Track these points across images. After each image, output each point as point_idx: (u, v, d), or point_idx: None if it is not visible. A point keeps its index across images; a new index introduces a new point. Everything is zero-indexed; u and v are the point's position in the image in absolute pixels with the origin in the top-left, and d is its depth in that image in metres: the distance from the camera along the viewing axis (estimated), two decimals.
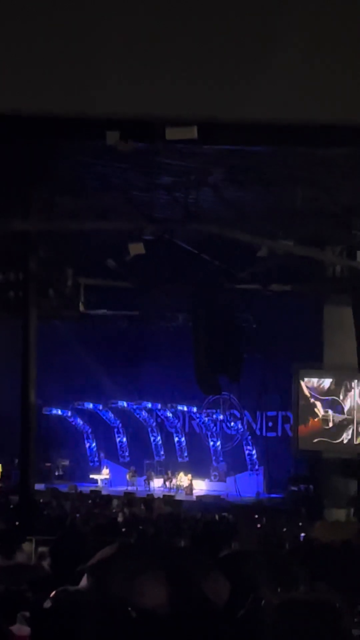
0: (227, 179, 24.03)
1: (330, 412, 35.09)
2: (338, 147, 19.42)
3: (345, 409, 34.81)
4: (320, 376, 35.63)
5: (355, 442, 34.45)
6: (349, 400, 34.86)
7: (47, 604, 8.39)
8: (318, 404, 35.42)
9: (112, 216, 26.51)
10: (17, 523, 23.14)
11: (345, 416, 34.76)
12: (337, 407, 34.99)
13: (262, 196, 25.01)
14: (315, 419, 35.34)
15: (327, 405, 35.18)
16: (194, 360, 33.11)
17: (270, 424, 40.33)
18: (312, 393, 35.47)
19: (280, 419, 39.82)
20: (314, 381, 35.46)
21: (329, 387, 35.22)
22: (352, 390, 34.78)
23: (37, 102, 7.29)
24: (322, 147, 19.81)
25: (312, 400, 35.51)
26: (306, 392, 35.51)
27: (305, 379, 35.44)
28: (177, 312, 36.70)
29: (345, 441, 34.58)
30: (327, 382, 35.27)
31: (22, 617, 8.68)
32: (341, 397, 34.99)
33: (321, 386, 35.47)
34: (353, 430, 34.54)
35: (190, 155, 21.68)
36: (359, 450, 33.56)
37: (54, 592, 8.55)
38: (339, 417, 34.89)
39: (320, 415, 35.26)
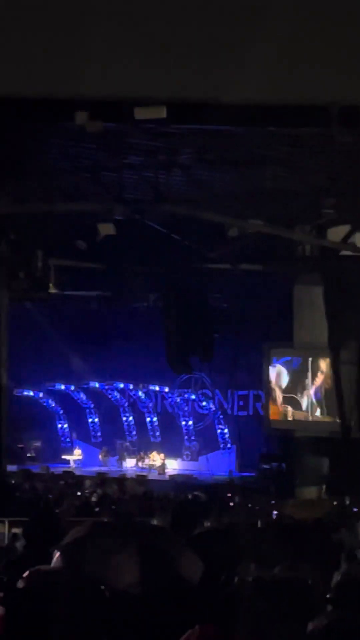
0: (197, 159, 23.98)
1: (289, 407, 35.47)
2: (307, 126, 19.45)
3: (303, 407, 35.14)
4: (290, 355, 35.77)
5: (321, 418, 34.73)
6: (305, 399, 35.15)
7: (21, 584, 8.42)
8: (279, 398, 35.81)
9: (81, 197, 26.42)
10: None
11: (303, 412, 35.07)
12: (295, 404, 35.34)
13: (231, 176, 24.99)
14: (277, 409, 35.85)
15: (286, 401, 35.55)
16: (165, 340, 33.16)
17: (241, 402, 40.47)
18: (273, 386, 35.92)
19: (251, 397, 39.95)
20: (273, 375, 35.75)
21: (286, 385, 35.57)
22: (308, 390, 35.09)
23: (5, 84, 7.29)
24: (292, 127, 19.84)
25: (276, 390, 35.94)
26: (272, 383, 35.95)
27: (271, 370, 35.79)
28: (147, 293, 36.67)
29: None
30: (284, 380, 35.58)
31: None
32: (298, 395, 35.31)
33: (280, 383, 35.79)
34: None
35: (160, 135, 21.60)
36: (330, 428, 33.70)
37: (27, 573, 8.58)
38: (298, 413, 35.28)
39: (280, 409, 35.67)
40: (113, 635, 7.51)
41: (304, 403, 35.20)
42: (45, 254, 29.06)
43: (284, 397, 35.64)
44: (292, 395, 35.46)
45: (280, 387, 35.72)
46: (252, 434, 38.56)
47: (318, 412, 34.99)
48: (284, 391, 35.64)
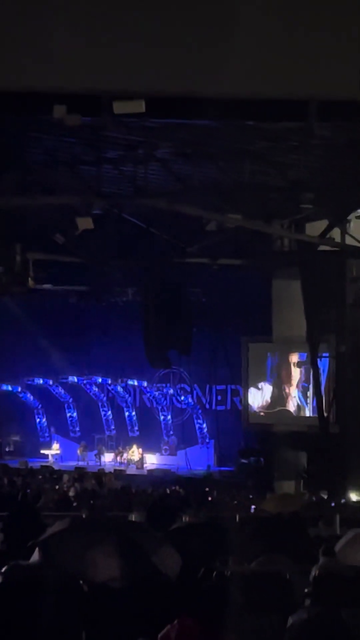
0: (175, 153, 23.97)
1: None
2: (286, 121, 19.46)
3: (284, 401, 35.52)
4: (269, 350, 35.85)
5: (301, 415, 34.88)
6: (292, 402, 35.34)
7: None
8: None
9: (59, 191, 26.35)
10: None
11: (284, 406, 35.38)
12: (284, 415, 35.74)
13: (210, 170, 24.99)
14: None
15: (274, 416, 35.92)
16: (143, 334, 33.14)
17: (219, 397, 40.48)
18: (260, 409, 36.20)
19: (229, 392, 39.97)
20: (258, 398, 36.02)
21: (271, 401, 35.83)
22: (292, 394, 35.31)
23: None
24: (270, 122, 19.84)
25: (261, 413, 36.26)
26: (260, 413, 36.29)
27: (250, 400, 36.05)
28: (126, 287, 36.67)
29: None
30: (267, 395, 35.85)
31: None
32: (285, 401, 35.58)
33: (265, 400, 36.04)
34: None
35: (138, 129, 21.57)
36: (308, 423, 33.81)
37: (5, 567, 8.56)
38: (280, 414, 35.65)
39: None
40: (91, 629, 7.52)
41: (284, 397, 35.38)
42: (24, 248, 28.96)
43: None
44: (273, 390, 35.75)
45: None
46: (231, 428, 38.60)
47: (296, 407, 35.13)
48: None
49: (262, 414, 36.06)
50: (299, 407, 35.12)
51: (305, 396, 34.67)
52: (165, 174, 25.44)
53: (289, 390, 35.35)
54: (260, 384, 36.07)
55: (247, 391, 36.43)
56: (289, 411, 35.38)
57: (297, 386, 35.04)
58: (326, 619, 5.72)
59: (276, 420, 35.38)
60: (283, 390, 35.54)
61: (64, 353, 40.37)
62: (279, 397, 35.62)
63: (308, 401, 34.51)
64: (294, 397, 35.25)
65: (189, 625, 5.38)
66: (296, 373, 35.15)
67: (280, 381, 35.56)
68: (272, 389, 35.82)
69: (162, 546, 9.39)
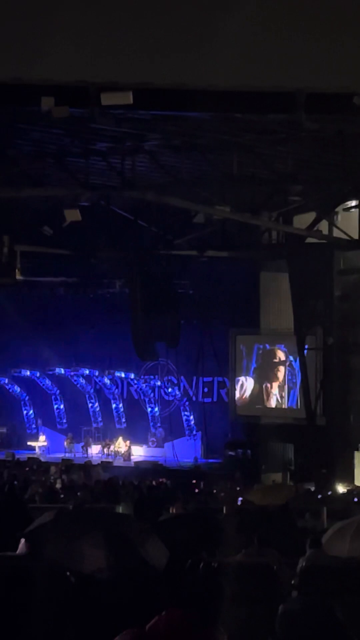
0: (163, 145, 23.95)
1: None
2: (274, 113, 19.48)
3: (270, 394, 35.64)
4: (257, 341, 35.89)
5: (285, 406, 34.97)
6: (273, 400, 35.45)
7: None
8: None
9: (47, 183, 26.32)
10: None
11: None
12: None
13: (198, 162, 24.98)
14: None
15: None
16: (131, 326, 33.10)
17: (206, 389, 40.49)
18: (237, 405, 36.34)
19: (215, 384, 39.99)
20: (237, 392, 36.16)
21: (250, 395, 35.91)
22: (273, 391, 35.41)
23: None
24: (258, 114, 19.85)
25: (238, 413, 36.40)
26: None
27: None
28: (114, 279, 36.63)
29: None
30: (248, 390, 35.93)
31: None
32: (264, 397, 35.63)
33: (244, 396, 36.10)
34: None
35: (126, 121, 21.54)
36: (295, 415, 33.86)
37: None
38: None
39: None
40: (79, 619, 7.53)
41: (270, 390, 35.45)
42: (11, 239, 28.90)
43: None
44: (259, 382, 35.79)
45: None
46: (218, 420, 38.63)
47: (283, 399, 35.18)
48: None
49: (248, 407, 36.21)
50: (285, 399, 35.23)
51: (291, 388, 34.77)
52: (153, 166, 25.44)
53: (271, 388, 35.50)
54: (241, 379, 36.23)
55: (234, 383, 36.46)
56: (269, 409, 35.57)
57: (285, 378, 35.14)
58: (319, 609, 5.75)
59: (263, 412, 35.45)
60: (265, 387, 35.68)
61: (51, 345, 40.32)
62: (259, 394, 35.79)
63: (295, 393, 34.56)
64: (275, 394, 35.41)
65: (176, 616, 5.39)
66: (271, 401, 35.49)
67: (263, 378, 35.74)
68: (253, 384, 35.97)
69: (149, 538, 9.42)
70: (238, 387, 36.30)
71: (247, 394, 36.05)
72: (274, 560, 9.93)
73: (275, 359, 35.44)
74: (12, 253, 28.82)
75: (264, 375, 35.62)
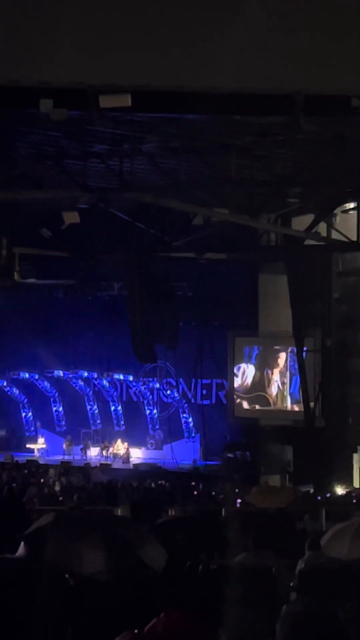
0: (162, 147, 23.95)
1: (256, 406, 35.72)
2: (272, 115, 19.48)
3: (272, 400, 35.41)
4: (255, 344, 35.91)
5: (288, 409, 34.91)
6: (274, 386, 35.37)
7: None
8: (244, 403, 36.09)
9: (46, 185, 26.33)
10: None
11: (272, 407, 35.31)
12: (262, 400, 35.59)
13: (196, 164, 24.99)
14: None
15: (252, 401, 35.82)
16: (129, 328, 33.11)
17: (204, 391, 40.51)
18: (238, 393, 36.14)
19: (214, 386, 40.01)
20: (238, 379, 36.08)
21: (252, 382, 35.80)
22: (274, 378, 35.32)
23: None
24: (257, 116, 19.85)
25: (237, 400, 36.18)
26: (233, 395, 36.27)
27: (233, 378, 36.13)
28: (112, 281, 36.65)
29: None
30: (250, 377, 35.85)
31: None
32: (265, 384, 35.53)
33: (245, 383, 36.02)
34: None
35: (124, 123, 21.55)
36: (294, 417, 33.86)
37: None
38: (266, 409, 35.55)
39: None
40: (77, 622, 7.53)
41: (271, 377, 35.39)
42: (10, 242, 28.91)
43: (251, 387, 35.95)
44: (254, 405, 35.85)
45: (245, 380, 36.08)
46: (216, 422, 38.64)
47: (285, 385, 35.10)
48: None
49: (239, 400, 36.08)
50: (280, 393, 35.14)
51: (287, 380, 34.68)
52: (151, 168, 25.43)
53: (272, 374, 35.40)
54: (242, 366, 36.14)
55: (232, 385, 36.47)
56: (268, 397, 35.37)
57: (282, 371, 35.07)
58: (321, 611, 5.74)
59: (261, 415, 35.45)
60: (266, 373, 35.55)
61: (49, 347, 40.32)
62: (260, 381, 35.66)
63: (294, 395, 34.53)
64: (276, 380, 35.28)
65: (175, 618, 5.39)
66: (272, 387, 35.38)
67: (263, 364, 35.64)
68: (254, 371, 35.86)
69: (147, 540, 9.42)
70: (239, 374, 36.20)
71: (249, 380, 35.95)
72: (273, 563, 9.93)
73: (265, 382, 35.61)
74: (11, 255, 28.83)
75: (265, 361, 35.51)
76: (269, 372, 35.50)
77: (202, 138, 23.15)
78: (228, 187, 25.49)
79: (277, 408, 35.28)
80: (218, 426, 38.53)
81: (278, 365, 35.21)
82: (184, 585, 7.35)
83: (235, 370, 36.36)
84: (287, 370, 34.91)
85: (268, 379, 35.48)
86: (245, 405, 35.98)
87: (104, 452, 40.78)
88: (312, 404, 31.86)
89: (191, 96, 17.31)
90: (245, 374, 36.11)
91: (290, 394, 34.60)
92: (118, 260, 32.17)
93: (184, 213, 27.40)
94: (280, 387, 35.17)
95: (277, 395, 35.31)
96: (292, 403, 34.70)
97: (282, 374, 35.09)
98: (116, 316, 36.48)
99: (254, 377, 35.85)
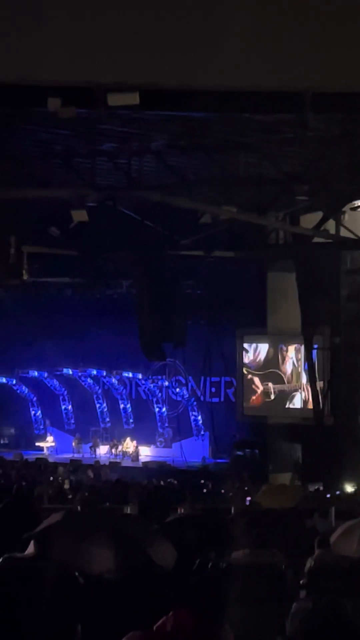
0: (170, 146, 23.93)
1: (270, 384, 35.43)
2: (280, 113, 19.46)
3: (286, 378, 35.14)
4: (264, 341, 35.85)
5: (299, 407, 34.78)
6: (289, 363, 35.11)
7: None
8: (256, 379, 35.80)
9: (54, 183, 26.33)
10: None
11: (286, 385, 35.05)
12: (275, 377, 35.31)
13: (204, 162, 24.96)
14: (256, 395, 35.78)
15: (265, 378, 35.55)
16: (138, 326, 33.12)
17: (213, 389, 40.53)
18: (250, 369, 35.82)
19: (223, 384, 40.02)
20: (250, 354, 35.79)
21: (265, 358, 35.54)
22: (289, 354, 35.03)
23: None
24: (265, 113, 19.83)
25: (249, 376, 35.88)
26: (243, 369, 35.92)
27: (244, 353, 35.79)
28: (120, 279, 36.66)
29: (289, 406, 34.85)
30: (263, 352, 35.58)
31: None
32: (280, 361, 35.23)
33: (258, 359, 35.80)
34: (299, 395, 34.81)
35: (132, 122, 21.54)
36: (303, 415, 33.82)
37: (0, 560, 8.58)
38: (280, 387, 35.22)
39: (259, 391, 35.62)
40: (87, 620, 7.53)
41: (286, 354, 35.19)
42: (19, 240, 28.91)
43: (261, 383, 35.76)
44: (267, 382, 35.56)
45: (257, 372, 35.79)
46: (225, 420, 38.66)
47: (299, 361, 34.90)
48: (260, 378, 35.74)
49: (250, 376, 35.79)
50: (294, 370, 34.82)
51: (302, 356, 34.24)
52: (159, 166, 25.40)
53: (287, 351, 35.05)
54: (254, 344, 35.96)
55: (241, 383, 36.42)
56: (283, 375, 35.06)
57: (297, 348, 34.69)
58: (331, 609, 5.74)
59: (271, 412, 35.38)
60: (280, 349, 35.22)
61: (58, 345, 40.38)
62: (273, 357, 35.43)
63: (302, 361, 34.07)
64: (291, 357, 34.96)
65: (184, 616, 5.40)
66: (286, 365, 35.09)
67: (278, 341, 35.30)
68: (268, 347, 35.56)
69: (157, 538, 9.42)
70: (251, 350, 35.95)
71: (262, 356, 35.70)
72: (282, 561, 9.93)
73: (278, 360, 35.30)
74: (19, 254, 28.83)
75: (280, 338, 35.22)
76: (284, 347, 35.15)
77: (210, 136, 23.13)
78: (236, 185, 25.46)
79: (292, 386, 34.88)
80: (227, 424, 38.55)
81: (294, 342, 34.77)
82: (193, 584, 7.34)
83: (246, 346, 36.04)
84: (302, 347, 34.45)
85: (282, 356, 35.18)
86: (257, 382, 35.65)
87: (113, 450, 40.83)
88: (320, 402, 31.84)
89: (199, 94, 17.30)
90: (258, 349, 35.80)
91: (306, 371, 34.11)
92: (126, 258, 32.14)
93: (192, 211, 27.34)
94: (296, 364, 34.87)
95: (292, 372, 34.96)
96: (307, 382, 34.08)
97: (297, 351, 34.68)
98: (125, 314, 36.50)
99: (267, 353, 35.53)
